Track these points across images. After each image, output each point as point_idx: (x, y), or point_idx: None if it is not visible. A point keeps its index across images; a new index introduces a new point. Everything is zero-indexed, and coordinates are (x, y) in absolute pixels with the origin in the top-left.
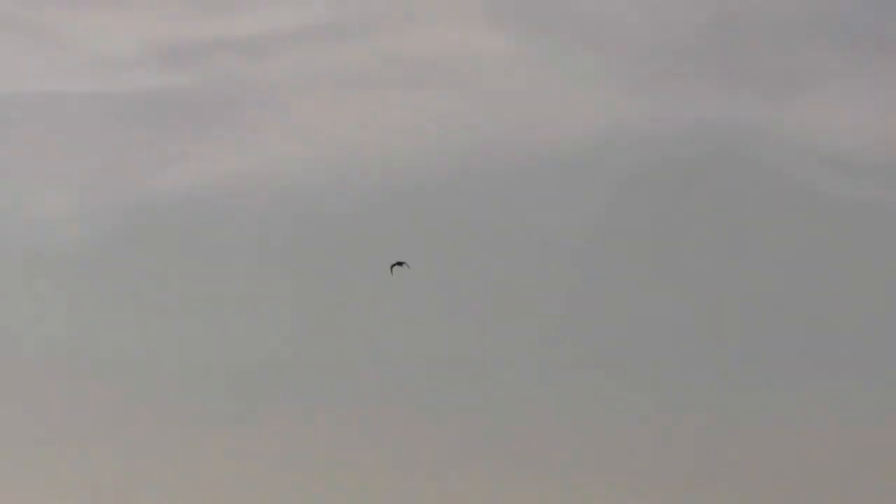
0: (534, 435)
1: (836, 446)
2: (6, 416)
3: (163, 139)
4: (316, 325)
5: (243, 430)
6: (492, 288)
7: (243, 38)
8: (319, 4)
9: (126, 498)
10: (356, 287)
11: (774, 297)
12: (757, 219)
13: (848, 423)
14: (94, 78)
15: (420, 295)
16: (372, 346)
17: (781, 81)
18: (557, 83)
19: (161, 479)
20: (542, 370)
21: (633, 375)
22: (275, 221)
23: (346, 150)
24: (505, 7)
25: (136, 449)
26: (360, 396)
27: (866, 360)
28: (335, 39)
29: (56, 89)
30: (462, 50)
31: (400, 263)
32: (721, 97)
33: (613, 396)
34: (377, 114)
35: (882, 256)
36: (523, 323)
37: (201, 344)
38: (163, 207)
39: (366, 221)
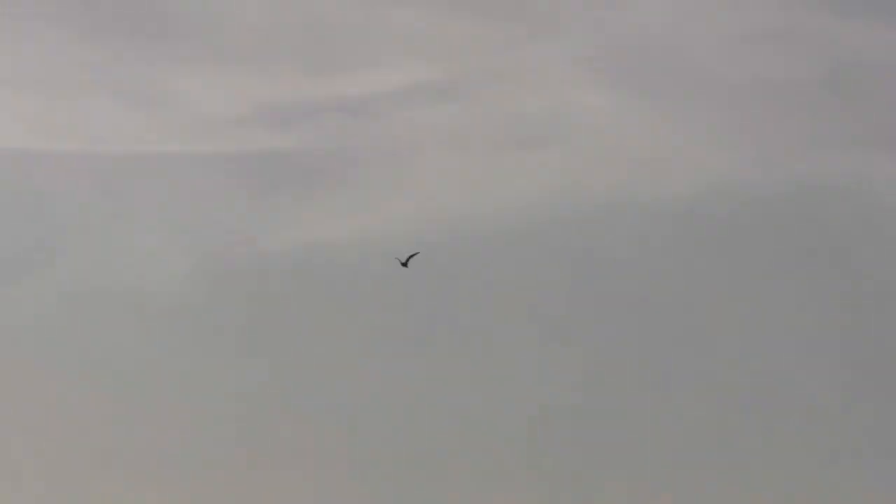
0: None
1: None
2: (121, 456)
3: (272, 199)
4: (428, 388)
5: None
6: (610, 343)
7: (352, 98)
8: (428, 65)
9: None
10: (468, 345)
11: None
12: (866, 273)
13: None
14: (204, 138)
15: (548, 350)
16: (498, 409)
17: (887, 135)
18: (664, 139)
19: None
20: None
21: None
22: (385, 282)
23: (456, 209)
24: (610, 65)
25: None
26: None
27: None
28: (444, 100)
29: (167, 150)
30: (568, 109)
31: (410, 257)
32: (823, 152)
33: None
34: (486, 172)
35: None
36: (634, 368)
37: (307, 403)
38: (273, 267)
39: (477, 280)
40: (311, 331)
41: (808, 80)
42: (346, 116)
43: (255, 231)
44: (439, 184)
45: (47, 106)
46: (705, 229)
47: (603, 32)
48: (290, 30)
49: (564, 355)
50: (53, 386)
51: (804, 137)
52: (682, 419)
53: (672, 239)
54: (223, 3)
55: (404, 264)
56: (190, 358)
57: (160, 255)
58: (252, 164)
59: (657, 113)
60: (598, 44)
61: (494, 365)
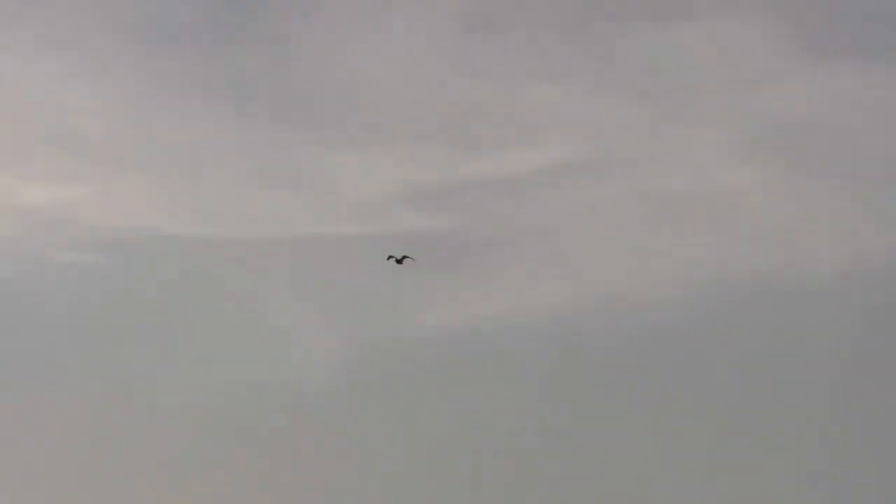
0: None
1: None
2: None
3: (423, 280)
4: (582, 475)
5: None
6: (751, 425)
7: (501, 177)
8: (575, 143)
9: None
10: (618, 427)
11: None
12: None
13: None
14: (353, 221)
15: (689, 435)
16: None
17: None
18: (813, 217)
19: None
20: None
21: None
22: (538, 360)
23: (608, 288)
24: (757, 144)
25: None
26: None
27: None
28: (592, 177)
29: (315, 232)
30: (715, 186)
31: (402, 258)
32: None
33: None
34: (634, 250)
35: None
36: (775, 451)
37: (464, 483)
38: (426, 347)
39: (629, 359)
40: (466, 412)
41: None
42: (494, 195)
43: (404, 312)
44: (587, 262)
45: (193, 190)
46: (860, 309)
47: (749, 110)
48: (436, 109)
49: (712, 436)
50: (205, 475)
51: None
52: None
53: (825, 318)
54: (368, 84)
55: (399, 261)
56: (345, 443)
57: (312, 340)
58: (401, 246)
59: (805, 191)
60: (744, 121)
61: (643, 444)
